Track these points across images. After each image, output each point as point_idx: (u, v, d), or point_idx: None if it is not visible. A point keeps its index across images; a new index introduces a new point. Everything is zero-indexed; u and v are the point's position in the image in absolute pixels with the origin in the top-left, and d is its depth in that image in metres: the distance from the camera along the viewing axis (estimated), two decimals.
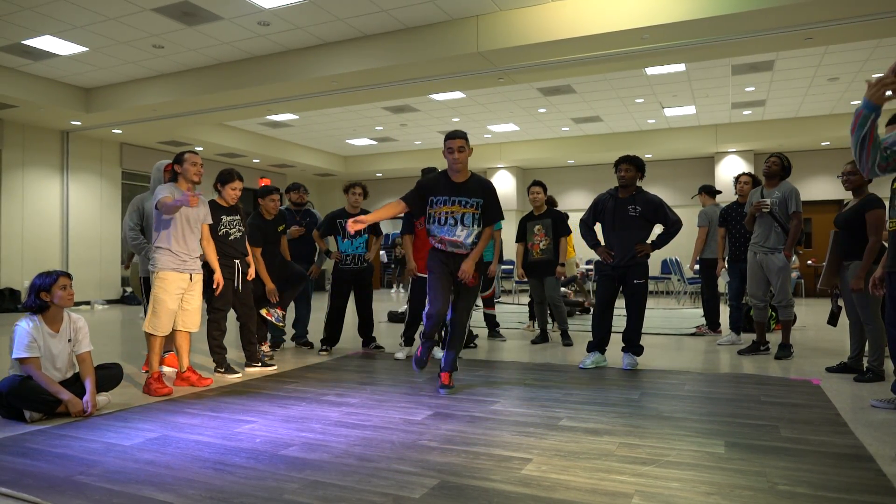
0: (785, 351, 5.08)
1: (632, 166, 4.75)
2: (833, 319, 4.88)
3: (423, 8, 6.97)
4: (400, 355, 5.27)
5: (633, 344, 4.77)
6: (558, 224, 6.01)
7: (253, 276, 4.84)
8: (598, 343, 4.82)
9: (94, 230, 11.64)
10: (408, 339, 5.34)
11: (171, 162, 4.59)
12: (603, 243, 4.85)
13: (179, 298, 4.08)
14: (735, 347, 5.73)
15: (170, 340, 4.37)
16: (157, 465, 2.54)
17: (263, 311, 5.26)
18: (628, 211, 4.71)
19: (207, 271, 4.36)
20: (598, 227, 4.98)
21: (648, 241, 4.78)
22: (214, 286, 4.33)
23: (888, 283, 3.44)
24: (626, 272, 4.73)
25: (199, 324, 4.27)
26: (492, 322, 6.58)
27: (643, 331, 4.85)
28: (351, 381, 4.30)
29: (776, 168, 5.09)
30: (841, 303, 4.70)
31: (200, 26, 7.41)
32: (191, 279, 4.12)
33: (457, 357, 4.08)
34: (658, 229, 4.90)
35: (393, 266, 15.70)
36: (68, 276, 3.44)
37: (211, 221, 4.35)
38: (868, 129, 2.31)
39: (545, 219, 6.03)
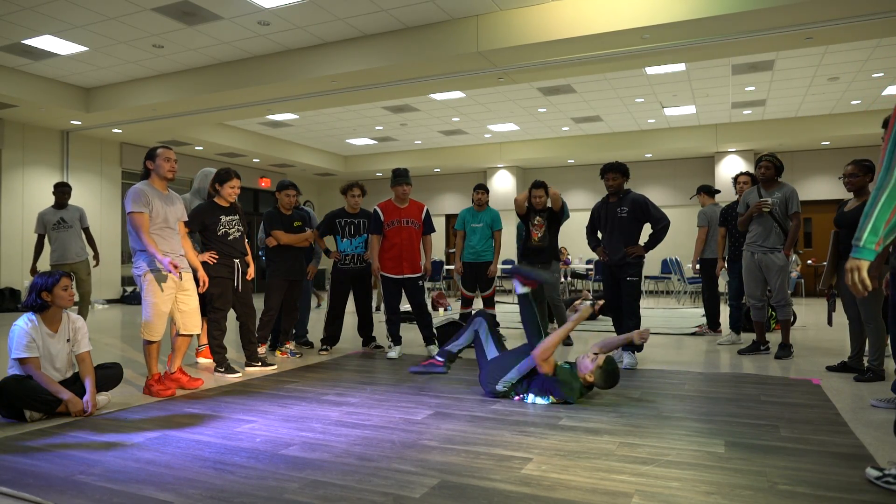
0: (785, 350, 5.09)
1: (618, 174, 4.97)
2: (829, 319, 4.90)
3: (423, 8, 6.97)
4: (392, 354, 5.28)
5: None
6: (553, 220, 6.05)
7: (252, 275, 4.84)
8: None
9: (93, 230, 11.59)
10: (395, 339, 5.36)
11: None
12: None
13: (171, 300, 3.97)
14: (735, 347, 5.74)
15: (203, 333, 4.77)
16: (157, 465, 2.54)
17: (278, 353, 5.43)
18: (617, 213, 4.95)
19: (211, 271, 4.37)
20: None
21: (641, 243, 4.93)
22: (200, 284, 4.20)
23: (892, 283, 3.45)
24: (619, 270, 4.92)
25: (200, 325, 4.24)
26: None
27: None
28: (351, 381, 4.30)
29: (770, 172, 5.11)
30: (838, 303, 4.70)
31: (200, 26, 7.40)
32: (180, 278, 3.98)
33: None
34: (650, 228, 5.03)
35: None
36: (69, 276, 3.45)
37: (187, 219, 4.25)
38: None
39: (544, 212, 6.09)
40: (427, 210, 5.50)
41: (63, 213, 6.60)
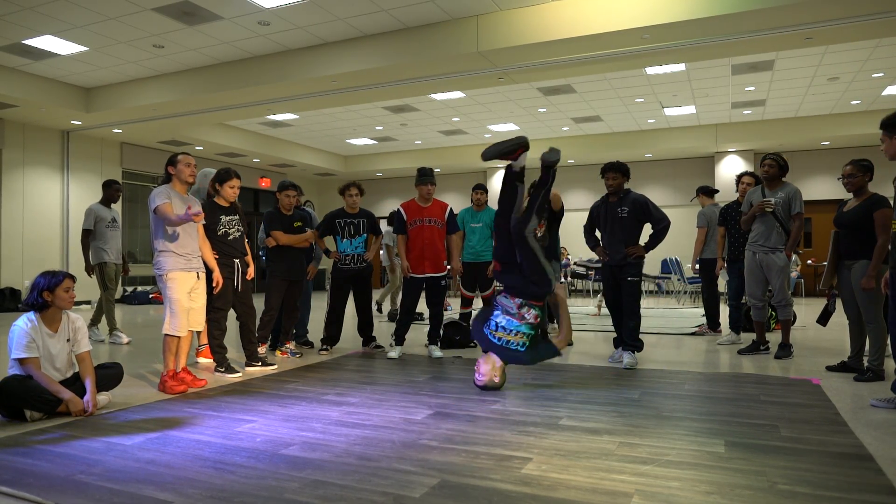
0: (785, 350, 5.09)
1: (618, 174, 4.98)
2: (824, 319, 4.91)
3: (423, 8, 6.98)
4: (393, 354, 5.27)
5: (631, 340, 4.88)
6: (552, 220, 6.06)
7: (252, 275, 4.85)
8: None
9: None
10: (399, 339, 5.36)
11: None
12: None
13: (189, 297, 4.10)
14: (735, 347, 5.74)
15: (203, 333, 4.86)
16: (157, 465, 2.54)
17: (279, 353, 5.43)
18: (618, 213, 4.96)
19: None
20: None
21: (641, 243, 4.95)
22: (214, 284, 4.35)
23: (891, 283, 3.46)
24: (620, 270, 4.93)
25: (203, 322, 4.29)
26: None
27: (644, 329, 4.95)
28: (351, 381, 4.30)
29: (774, 171, 5.10)
30: (838, 303, 4.71)
31: (200, 26, 7.41)
32: (197, 277, 4.16)
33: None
34: (651, 228, 5.04)
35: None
36: (72, 278, 3.44)
37: (204, 221, 4.34)
38: None
39: (543, 212, 6.10)
40: (451, 209, 5.49)
41: (113, 212, 6.59)
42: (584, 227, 5.25)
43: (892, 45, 7.96)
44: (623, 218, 4.89)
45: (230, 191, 4.62)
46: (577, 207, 14.21)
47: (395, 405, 3.57)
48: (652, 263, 13.13)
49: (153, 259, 4.09)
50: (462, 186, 15.81)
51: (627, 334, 4.84)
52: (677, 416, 3.26)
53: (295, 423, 3.20)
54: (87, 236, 6.45)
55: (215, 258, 4.49)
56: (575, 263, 12.39)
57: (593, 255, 13.21)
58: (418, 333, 6.76)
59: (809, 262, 12.29)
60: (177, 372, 4.14)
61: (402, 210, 5.36)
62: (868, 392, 3.83)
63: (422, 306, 8.11)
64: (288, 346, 5.47)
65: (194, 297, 4.15)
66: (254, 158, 14.19)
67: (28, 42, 7.80)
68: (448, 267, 5.54)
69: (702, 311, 8.22)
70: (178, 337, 4.04)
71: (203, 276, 4.23)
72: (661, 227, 4.87)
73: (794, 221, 5.02)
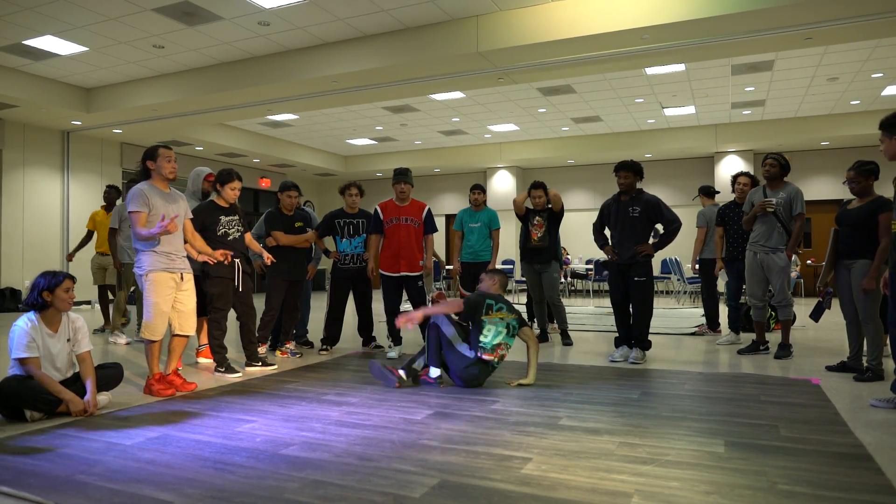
0: (784, 350, 5.09)
1: (630, 173, 4.98)
2: (816, 314, 4.92)
3: (423, 8, 6.98)
4: (392, 354, 5.28)
5: (638, 339, 4.95)
6: (553, 220, 6.07)
7: (270, 258, 4.85)
8: (624, 338, 5.10)
9: None
10: (395, 339, 5.37)
11: (211, 171, 4.83)
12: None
13: (171, 300, 3.95)
14: (734, 347, 5.74)
15: (203, 333, 4.91)
16: (157, 465, 2.54)
17: (279, 353, 5.43)
18: (629, 212, 4.97)
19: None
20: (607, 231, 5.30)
21: (650, 242, 4.96)
22: (221, 258, 4.21)
23: (891, 283, 3.46)
24: (628, 270, 4.96)
25: (195, 326, 4.18)
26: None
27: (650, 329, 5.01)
28: (351, 381, 4.30)
29: (775, 170, 5.11)
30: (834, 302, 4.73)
31: (200, 26, 7.41)
32: (181, 278, 3.98)
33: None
34: (660, 228, 5.06)
35: None
36: (73, 279, 3.42)
37: (192, 216, 4.22)
38: None
39: (543, 213, 6.10)
40: (429, 210, 5.50)
41: None
42: (594, 224, 5.26)
43: (891, 46, 7.96)
44: (635, 218, 4.93)
45: (231, 192, 4.61)
46: (577, 207, 14.21)
47: (395, 405, 3.57)
48: (653, 264, 13.14)
49: (135, 256, 3.92)
50: (462, 186, 15.82)
51: (637, 330, 4.90)
52: (677, 416, 3.27)
53: (295, 423, 3.20)
54: (114, 235, 6.55)
55: (228, 255, 4.40)
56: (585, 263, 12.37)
57: (599, 254, 13.22)
58: (417, 334, 6.75)
59: (809, 262, 12.29)
60: (165, 375, 4.03)
61: (378, 209, 5.39)
62: (867, 392, 3.83)
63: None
64: (288, 346, 5.48)
65: (182, 299, 4.00)
66: (254, 158, 14.20)
67: (28, 42, 7.80)
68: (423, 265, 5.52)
69: (701, 311, 8.22)
70: (156, 340, 3.90)
71: (189, 276, 4.06)
72: (673, 227, 4.91)
73: (796, 222, 5.02)
